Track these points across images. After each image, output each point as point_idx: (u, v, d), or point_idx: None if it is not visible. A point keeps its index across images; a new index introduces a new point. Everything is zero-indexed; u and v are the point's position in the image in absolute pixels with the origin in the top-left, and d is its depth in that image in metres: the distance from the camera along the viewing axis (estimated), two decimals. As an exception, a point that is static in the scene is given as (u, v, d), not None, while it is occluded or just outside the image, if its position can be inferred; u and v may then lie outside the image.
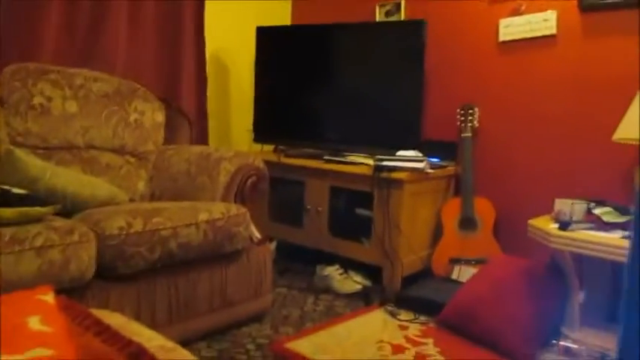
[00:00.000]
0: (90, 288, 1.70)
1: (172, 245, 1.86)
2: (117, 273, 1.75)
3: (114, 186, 2.18)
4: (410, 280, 2.70)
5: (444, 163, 2.91)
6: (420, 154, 2.72)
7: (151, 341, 0.84)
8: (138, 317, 1.80)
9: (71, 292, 1.61)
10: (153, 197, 2.43)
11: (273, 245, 3.08)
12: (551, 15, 2.65)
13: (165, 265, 1.88)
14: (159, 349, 0.81)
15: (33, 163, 1.83)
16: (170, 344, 0.84)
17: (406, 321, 2.33)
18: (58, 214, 1.80)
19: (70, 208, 1.89)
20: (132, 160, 2.45)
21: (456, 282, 2.61)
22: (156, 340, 0.85)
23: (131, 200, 2.29)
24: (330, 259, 2.84)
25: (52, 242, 1.56)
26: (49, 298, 0.85)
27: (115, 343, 0.77)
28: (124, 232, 1.74)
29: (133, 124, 2.46)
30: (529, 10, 2.73)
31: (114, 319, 0.91)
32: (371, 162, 2.71)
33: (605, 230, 2.08)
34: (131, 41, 2.80)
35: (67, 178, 1.90)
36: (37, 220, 1.61)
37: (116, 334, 0.79)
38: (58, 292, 1.31)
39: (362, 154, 2.89)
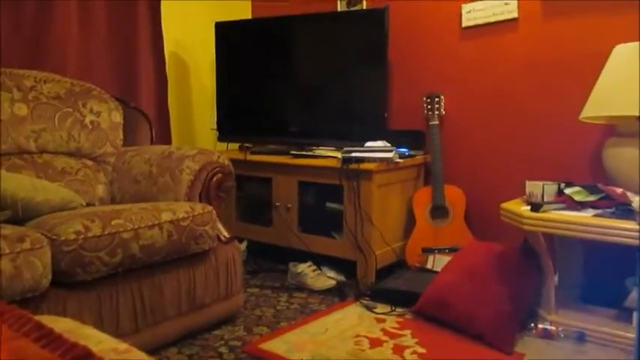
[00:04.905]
0: (46, 297, 1.60)
1: (134, 248, 1.77)
2: (75, 280, 1.65)
3: (70, 191, 2.07)
4: (384, 273, 2.66)
5: (412, 153, 2.88)
6: (388, 145, 2.68)
7: (101, 344, 0.76)
8: (100, 326, 1.71)
9: (27, 302, 1.52)
10: (113, 201, 2.32)
11: (243, 245, 3.00)
12: (511, -2, 2.64)
13: (128, 270, 1.79)
14: (110, 352, 0.73)
15: (-21, 169, 1.71)
16: (123, 346, 0.77)
17: (383, 314, 2.28)
18: (9, 221, 1.70)
19: (22, 215, 1.78)
20: (89, 163, 2.35)
21: (431, 271, 2.58)
22: (107, 343, 0.77)
23: (89, 205, 2.19)
24: (302, 256, 2.78)
25: (1, 251, 1.46)
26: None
27: (58, 347, 0.69)
28: (82, 237, 1.64)
29: (88, 125, 2.36)
30: (490, -5, 2.71)
31: (61, 324, 0.83)
32: (338, 154, 2.66)
33: (577, 210, 2.07)
34: (82, 41, 2.69)
35: (17, 183, 1.79)
36: (-16, 227, 1.51)
37: (59, 338, 0.72)
38: (13, 302, 1.22)
39: (329, 147, 2.84)
